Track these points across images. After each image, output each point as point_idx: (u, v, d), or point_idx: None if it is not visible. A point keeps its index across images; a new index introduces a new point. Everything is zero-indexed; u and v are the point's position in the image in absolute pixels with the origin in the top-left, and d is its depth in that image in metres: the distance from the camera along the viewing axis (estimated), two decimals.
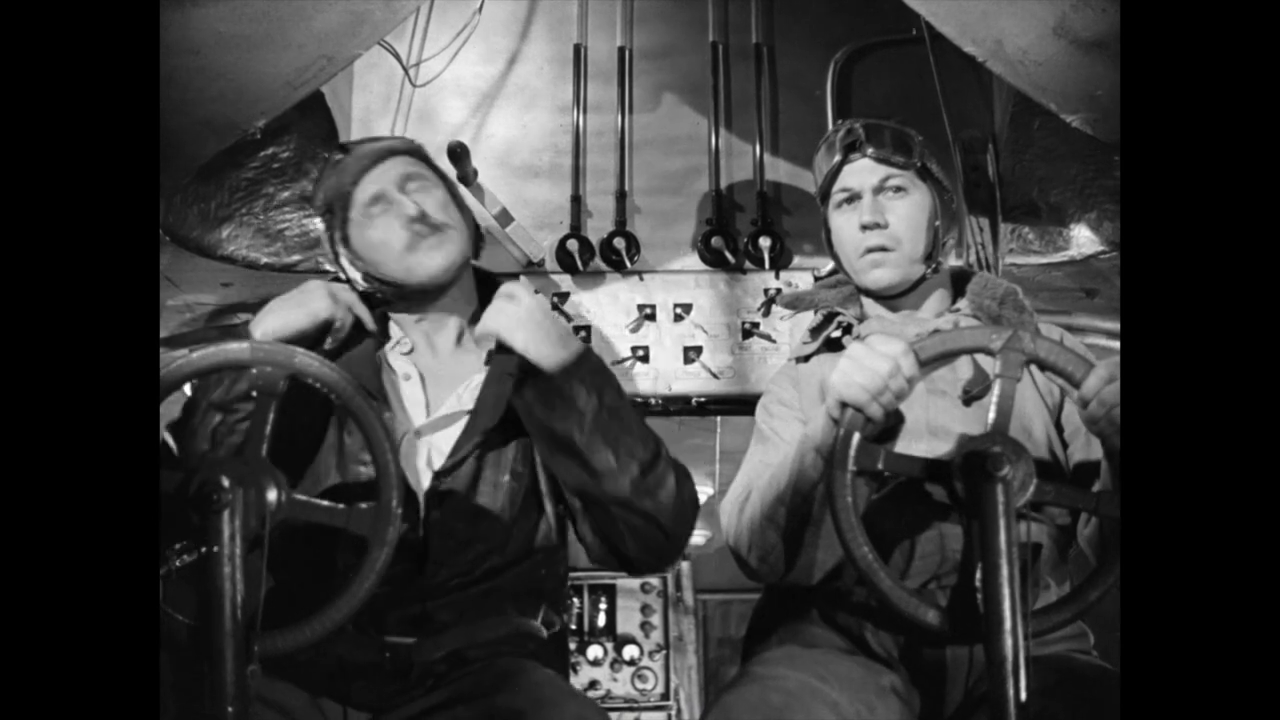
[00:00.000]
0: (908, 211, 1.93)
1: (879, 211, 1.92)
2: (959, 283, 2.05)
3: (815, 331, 2.03)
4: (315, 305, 1.83)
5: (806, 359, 2.02)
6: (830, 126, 2.63)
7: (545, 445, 1.80)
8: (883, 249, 1.92)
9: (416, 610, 1.77)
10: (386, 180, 1.92)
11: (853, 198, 1.96)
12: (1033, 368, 1.58)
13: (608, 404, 1.75)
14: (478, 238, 2.03)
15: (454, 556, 1.80)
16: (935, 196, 1.97)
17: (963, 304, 2.00)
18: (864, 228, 1.93)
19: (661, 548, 1.79)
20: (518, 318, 1.73)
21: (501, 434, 1.86)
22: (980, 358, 1.84)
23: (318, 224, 1.99)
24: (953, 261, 2.11)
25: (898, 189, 1.94)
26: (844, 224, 1.97)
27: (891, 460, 1.55)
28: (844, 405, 1.56)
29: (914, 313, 1.99)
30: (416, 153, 2.01)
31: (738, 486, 1.88)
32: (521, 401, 1.78)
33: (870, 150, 1.94)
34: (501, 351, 1.75)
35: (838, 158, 1.97)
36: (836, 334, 1.99)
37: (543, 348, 1.72)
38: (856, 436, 1.54)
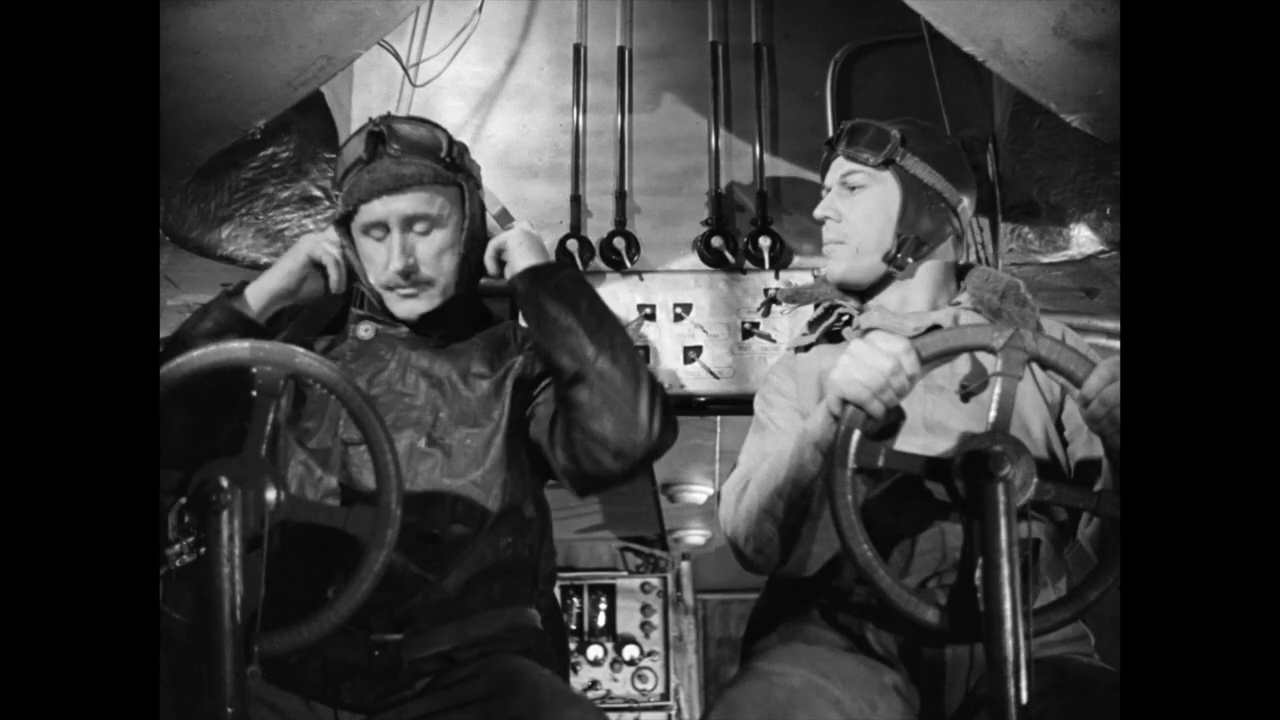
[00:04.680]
0: (863, 206, 1.95)
1: (830, 206, 1.97)
2: (963, 276, 2.03)
3: (815, 323, 2.03)
4: (301, 248, 1.89)
5: (806, 349, 2.01)
6: (830, 126, 2.65)
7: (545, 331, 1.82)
8: (838, 242, 1.96)
9: (399, 611, 1.75)
10: (395, 212, 1.84)
11: (827, 193, 2.01)
12: (1033, 365, 1.58)
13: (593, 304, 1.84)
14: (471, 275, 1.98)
15: (420, 541, 1.76)
16: (904, 193, 1.94)
17: (963, 298, 1.98)
18: (818, 221, 1.99)
19: (632, 425, 1.74)
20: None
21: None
22: (978, 353, 1.84)
23: (335, 193, 1.96)
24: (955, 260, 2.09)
25: (855, 185, 1.96)
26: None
27: (892, 458, 1.55)
28: (845, 402, 1.56)
29: (908, 304, 1.97)
30: (446, 181, 1.88)
31: (736, 475, 1.88)
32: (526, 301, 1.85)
33: (842, 148, 1.98)
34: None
35: (825, 155, 2.04)
36: (837, 327, 1.99)
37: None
38: (857, 434, 1.54)
